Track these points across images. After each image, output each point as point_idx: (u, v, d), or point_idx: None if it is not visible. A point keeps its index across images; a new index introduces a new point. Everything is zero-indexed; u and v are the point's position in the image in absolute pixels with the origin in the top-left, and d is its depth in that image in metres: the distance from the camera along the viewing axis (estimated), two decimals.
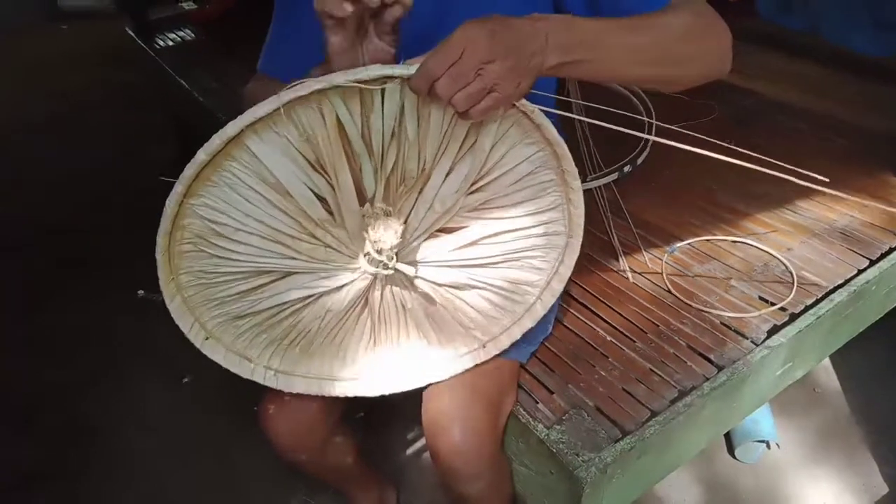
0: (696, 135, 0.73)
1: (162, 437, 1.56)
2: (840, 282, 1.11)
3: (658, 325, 1.04)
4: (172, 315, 0.81)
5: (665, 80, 0.80)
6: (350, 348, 0.90)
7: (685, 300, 1.09)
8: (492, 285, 0.87)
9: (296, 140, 0.72)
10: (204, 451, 1.52)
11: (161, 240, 0.74)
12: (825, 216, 1.26)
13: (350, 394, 0.91)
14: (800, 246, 1.19)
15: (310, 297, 0.84)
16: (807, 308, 1.07)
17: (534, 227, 0.85)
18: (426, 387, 0.93)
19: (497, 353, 0.91)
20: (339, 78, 0.67)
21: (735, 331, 1.03)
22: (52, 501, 1.46)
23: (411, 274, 0.83)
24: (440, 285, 0.86)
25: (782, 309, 1.06)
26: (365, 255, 0.81)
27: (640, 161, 1.40)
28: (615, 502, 0.93)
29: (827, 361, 1.62)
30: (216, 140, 0.68)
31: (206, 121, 1.90)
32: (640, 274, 1.15)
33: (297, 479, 1.41)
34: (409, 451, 1.51)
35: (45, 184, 2.58)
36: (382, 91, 0.69)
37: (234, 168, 0.72)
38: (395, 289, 0.87)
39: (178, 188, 0.71)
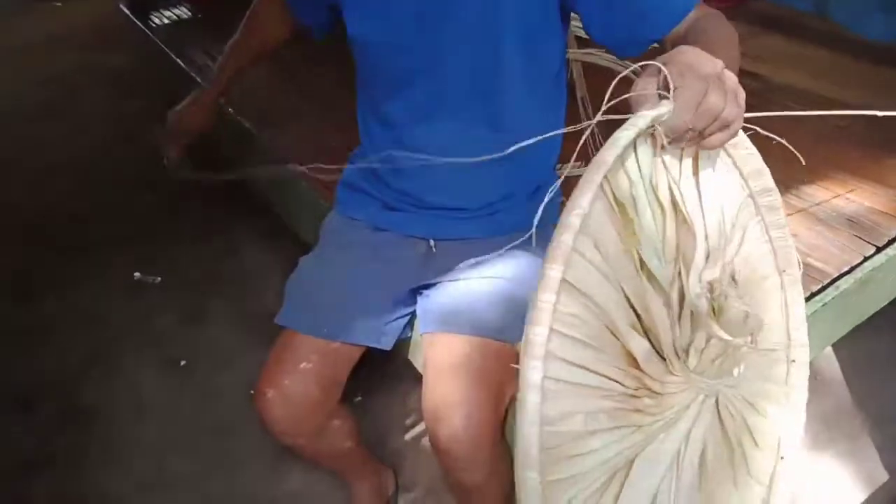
0: None
1: (160, 421, 1.55)
2: (846, 269, 1.10)
3: None
4: None
5: None
6: None
7: None
8: (754, 366, 0.72)
9: (593, 254, 0.58)
10: (202, 434, 1.51)
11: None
12: (832, 202, 1.24)
13: None
14: (806, 232, 1.17)
15: (659, 486, 0.65)
16: (813, 295, 1.06)
17: (752, 274, 0.71)
18: (425, 371, 0.92)
19: (797, 461, 0.75)
20: (614, 151, 0.55)
21: None
22: (52, 488, 1.45)
23: (775, 347, 0.67)
24: (734, 387, 0.70)
25: None
26: (701, 373, 0.64)
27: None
28: None
29: (829, 349, 1.61)
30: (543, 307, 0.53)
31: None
32: None
33: (296, 461, 1.41)
34: (409, 436, 1.50)
35: (40, 168, 2.55)
36: (636, 155, 0.60)
37: (557, 326, 0.55)
38: (719, 421, 0.69)
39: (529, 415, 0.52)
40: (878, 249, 1.14)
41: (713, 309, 0.62)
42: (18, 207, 2.32)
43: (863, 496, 1.34)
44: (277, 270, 1.01)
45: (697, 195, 0.66)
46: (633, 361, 0.61)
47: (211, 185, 1.02)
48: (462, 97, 0.91)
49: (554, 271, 0.54)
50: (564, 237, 0.54)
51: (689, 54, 0.59)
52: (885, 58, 1.74)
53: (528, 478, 0.53)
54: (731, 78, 0.59)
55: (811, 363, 1.54)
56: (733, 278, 0.66)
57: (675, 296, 0.63)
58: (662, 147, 0.60)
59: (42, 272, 2.02)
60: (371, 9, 0.89)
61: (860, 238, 1.15)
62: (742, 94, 0.59)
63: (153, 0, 2.49)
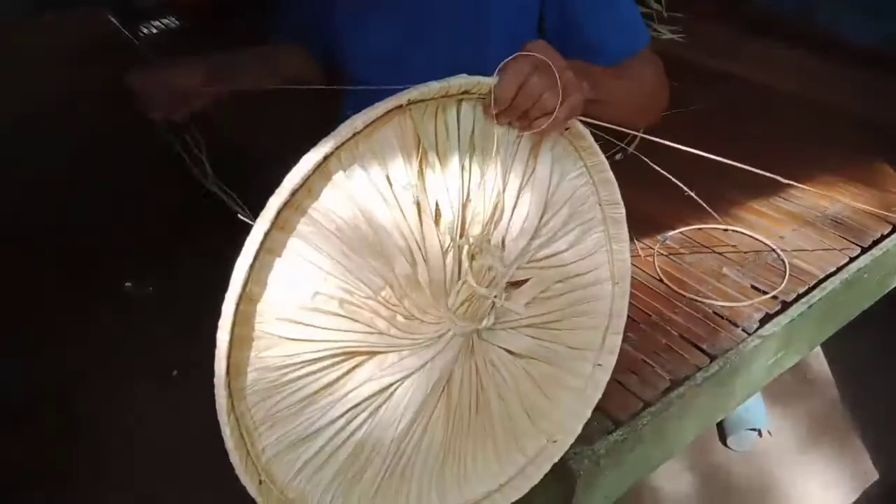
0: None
1: (153, 433, 1.55)
2: (832, 270, 1.11)
3: (650, 315, 1.03)
4: (227, 446, 0.64)
5: (628, 123, 0.82)
6: (418, 468, 0.75)
7: (677, 289, 1.08)
8: (554, 353, 0.78)
9: (376, 173, 0.62)
10: (197, 445, 1.51)
11: (224, 328, 0.59)
12: (817, 204, 1.26)
13: None
14: (791, 234, 1.19)
15: (389, 386, 0.70)
16: (799, 297, 1.06)
17: (583, 274, 0.78)
18: None
19: (567, 447, 0.80)
20: (420, 91, 0.60)
21: (727, 320, 1.02)
22: (46, 500, 1.44)
23: (520, 312, 0.74)
24: (514, 355, 0.77)
25: (774, 297, 1.05)
26: (455, 312, 0.71)
27: (630, 149, 1.39)
28: (608, 493, 0.93)
29: (818, 349, 1.63)
30: (295, 177, 0.57)
31: (192, 116, 1.88)
32: (631, 263, 1.14)
33: None
34: None
35: (30, 181, 2.54)
36: (457, 110, 0.65)
37: (314, 214, 0.61)
38: (475, 366, 0.75)
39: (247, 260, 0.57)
40: (864, 250, 1.15)
41: (471, 258, 0.70)
42: (7, 220, 2.32)
43: (853, 495, 1.35)
44: None
45: (523, 175, 0.71)
46: (400, 282, 0.67)
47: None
48: None
49: (318, 151, 0.57)
50: (345, 131, 0.58)
51: (534, 46, 0.66)
52: (870, 60, 1.76)
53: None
54: (567, 76, 0.65)
55: (801, 362, 1.56)
56: (503, 244, 0.71)
57: (466, 249, 0.69)
58: (496, 118, 0.66)
59: (32, 284, 2.01)
60: (361, 36, 0.91)
61: (845, 239, 1.16)
62: (574, 96, 0.66)
63: (142, 10, 2.49)
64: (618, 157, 1.35)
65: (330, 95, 1.12)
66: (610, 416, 0.89)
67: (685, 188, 0.82)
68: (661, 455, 1.02)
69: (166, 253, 2.03)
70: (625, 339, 0.99)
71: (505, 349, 0.77)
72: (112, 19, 2.48)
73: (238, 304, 0.58)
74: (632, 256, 1.13)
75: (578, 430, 0.80)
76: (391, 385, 0.70)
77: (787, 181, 0.78)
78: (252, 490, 0.66)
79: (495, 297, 0.70)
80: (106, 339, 1.80)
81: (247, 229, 0.58)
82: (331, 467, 0.70)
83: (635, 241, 1.18)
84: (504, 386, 0.77)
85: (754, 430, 1.45)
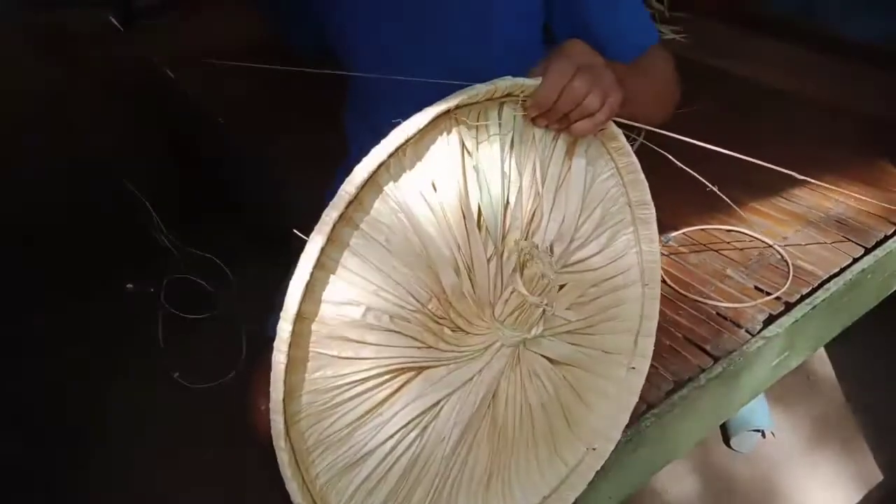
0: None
1: (154, 434, 1.54)
2: (835, 270, 1.10)
3: None
4: (284, 474, 0.60)
5: (646, 119, 0.81)
6: (465, 485, 0.72)
7: (681, 290, 1.07)
8: (590, 358, 0.77)
9: (422, 181, 0.61)
10: (198, 448, 1.51)
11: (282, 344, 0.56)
12: (820, 204, 1.25)
13: None
14: (795, 234, 1.18)
15: (438, 403, 0.69)
16: (802, 297, 1.06)
17: (615, 276, 0.77)
18: None
19: (608, 455, 0.78)
20: (468, 94, 0.59)
21: (731, 321, 1.01)
22: (46, 500, 1.44)
23: (570, 318, 0.72)
24: (554, 363, 0.75)
25: (778, 298, 1.05)
26: (504, 322, 0.69)
27: (633, 148, 1.39)
28: (612, 495, 0.92)
29: (822, 350, 1.62)
30: (349, 188, 0.55)
31: (193, 115, 1.87)
32: None
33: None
34: None
35: (29, 179, 2.53)
36: (499, 113, 0.64)
37: (364, 226, 0.59)
38: (519, 377, 0.74)
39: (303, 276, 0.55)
40: (867, 251, 1.14)
41: (521, 266, 0.69)
42: (7, 219, 2.31)
43: (857, 496, 1.35)
44: (274, 282, 1.02)
45: (559, 178, 0.70)
46: (446, 293, 0.66)
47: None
48: None
49: (370, 161, 0.55)
50: (394, 138, 0.56)
51: (573, 46, 0.66)
52: (873, 58, 1.75)
53: (282, 329, 0.56)
54: (607, 76, 0.64)
55: (805, 363, 1.55)
56: (551, 250, 0.71)
57: (506, 254, 0.68)
58: (533, 120, 0.65)
59: (34, 284, 2.01)
60: (361, 35, 0.92)
61: (849, 239, 1.16)
62: (614, 97, 0.65)
63: (142, 9, 2.49)
64: None
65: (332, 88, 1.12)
66: None
67: (709, 185, 0.79)
68: (665, 456, 1.01)
69: (168, 254, 2.02)
70: None
71: (546, 357, 0.75)
72: (112, 19, 2.48)
73: (293, 324, 0.56)
74: None
75: (617, 436, 0.78)
76: (439, 402, 0.68)
77: (801, 177, 0.76)
78: None
79: (546, 304, 0.69)
80: (106, 340, 1.79)
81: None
82: (382, 490, 0.67)
83: None
84: (546, 396, 0.75)
85: (757, 431, 1.44)
